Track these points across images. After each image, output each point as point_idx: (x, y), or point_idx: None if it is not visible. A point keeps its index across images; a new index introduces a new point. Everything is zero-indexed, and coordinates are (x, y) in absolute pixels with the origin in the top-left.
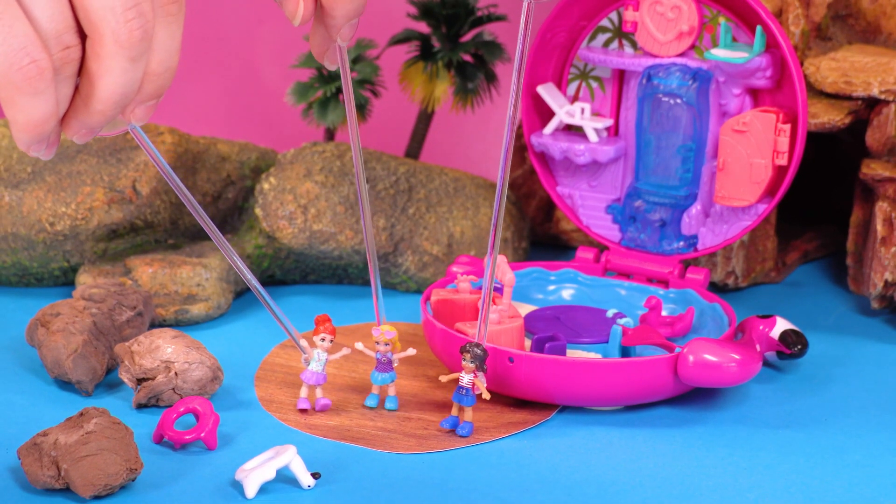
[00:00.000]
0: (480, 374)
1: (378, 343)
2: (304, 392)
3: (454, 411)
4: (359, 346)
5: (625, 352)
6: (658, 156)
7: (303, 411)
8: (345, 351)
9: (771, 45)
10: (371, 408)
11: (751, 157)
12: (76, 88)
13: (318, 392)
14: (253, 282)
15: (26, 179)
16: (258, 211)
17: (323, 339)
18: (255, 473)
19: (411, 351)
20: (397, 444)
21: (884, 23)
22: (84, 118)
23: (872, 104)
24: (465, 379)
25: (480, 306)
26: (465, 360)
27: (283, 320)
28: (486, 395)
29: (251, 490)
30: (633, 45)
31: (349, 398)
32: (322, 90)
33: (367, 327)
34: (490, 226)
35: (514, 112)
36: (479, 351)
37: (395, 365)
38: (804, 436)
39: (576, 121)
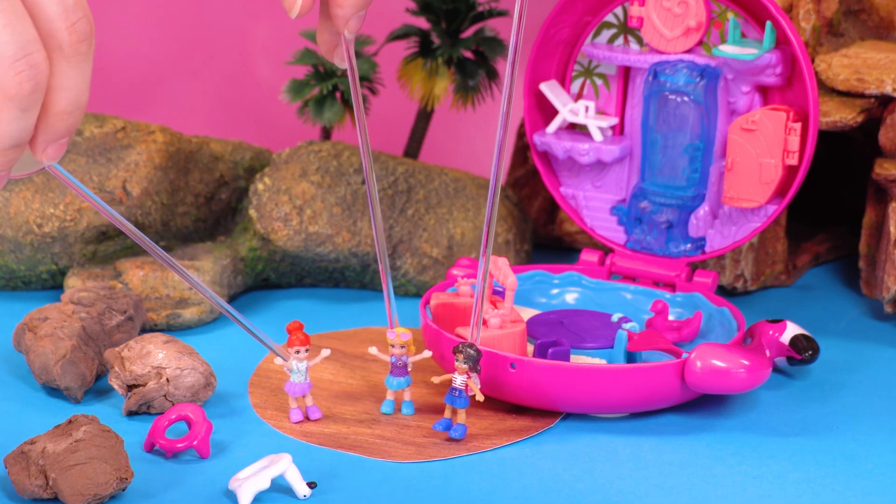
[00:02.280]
0: (474, 374)
1: (393, 346)
2: (292, 403)
3: (447, 413)
4: (372, 350)
5: (630, 357)
6: (665, 155)
7: (298, 422)
8: (324, 353)
9: (781, 42)
10: (387, 414)
11: (760, 156)
12: None
13: (309, 400)
14: (220, 301)
15: (14, 180)
16: (252, 212)
17: (297, 352)
18: (250, 483)
19: (427, 353)
20: (395, 453)
21: None
22: None
23: (886, 102)
24: (458, 380)
25: (473, 306)
26: (457, 360)
27: (255, 331)
28: (480, 397)
29: (245, 500)
30: (639, 41)
31: (345, 405)
32: (318, 88)
33: (364, 332)
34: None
35: (508, 107)
36: (472, 351)
37: (410, 369)
38: (815, 444)
39: (580, 119)
